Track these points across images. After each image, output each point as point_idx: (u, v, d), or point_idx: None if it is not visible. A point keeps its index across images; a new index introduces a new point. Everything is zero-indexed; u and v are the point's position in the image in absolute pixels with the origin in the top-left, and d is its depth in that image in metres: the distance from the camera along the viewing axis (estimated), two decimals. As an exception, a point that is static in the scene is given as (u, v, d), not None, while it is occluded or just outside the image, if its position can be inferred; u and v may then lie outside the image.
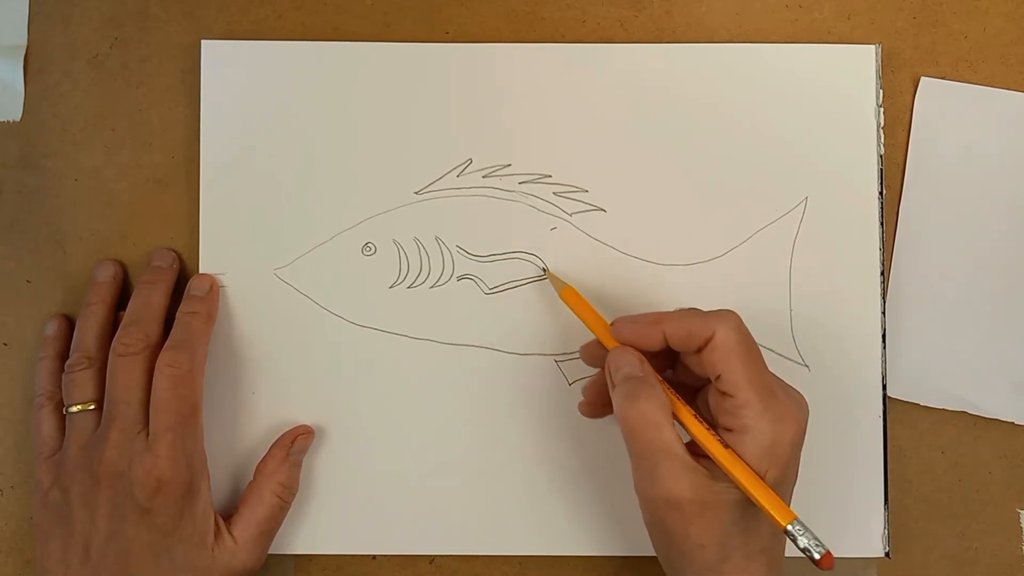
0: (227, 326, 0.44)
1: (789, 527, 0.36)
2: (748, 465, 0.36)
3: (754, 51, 0.45)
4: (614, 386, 0.38)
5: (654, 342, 0.38)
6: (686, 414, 0.38)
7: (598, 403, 0.41)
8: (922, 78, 0.45)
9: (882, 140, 0.44)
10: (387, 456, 0.44)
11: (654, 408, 0.37)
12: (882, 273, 0.44)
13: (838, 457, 0.44)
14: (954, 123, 0.45)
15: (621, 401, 0.38)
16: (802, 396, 0.39)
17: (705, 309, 0.39)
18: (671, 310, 0.40)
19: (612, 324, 0.40)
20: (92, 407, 0.41)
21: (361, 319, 0.44)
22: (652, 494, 0.37)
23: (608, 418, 0.43)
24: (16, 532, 0.44)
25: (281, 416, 0.44)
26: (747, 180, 0.44)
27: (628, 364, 0.38)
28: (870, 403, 0.44)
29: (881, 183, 0.44)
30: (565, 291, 0.42)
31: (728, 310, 0.38)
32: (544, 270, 0.44)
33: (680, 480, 0.36)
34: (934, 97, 0.45)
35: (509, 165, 0.44)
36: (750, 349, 0.37)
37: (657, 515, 0.38)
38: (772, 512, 0.36)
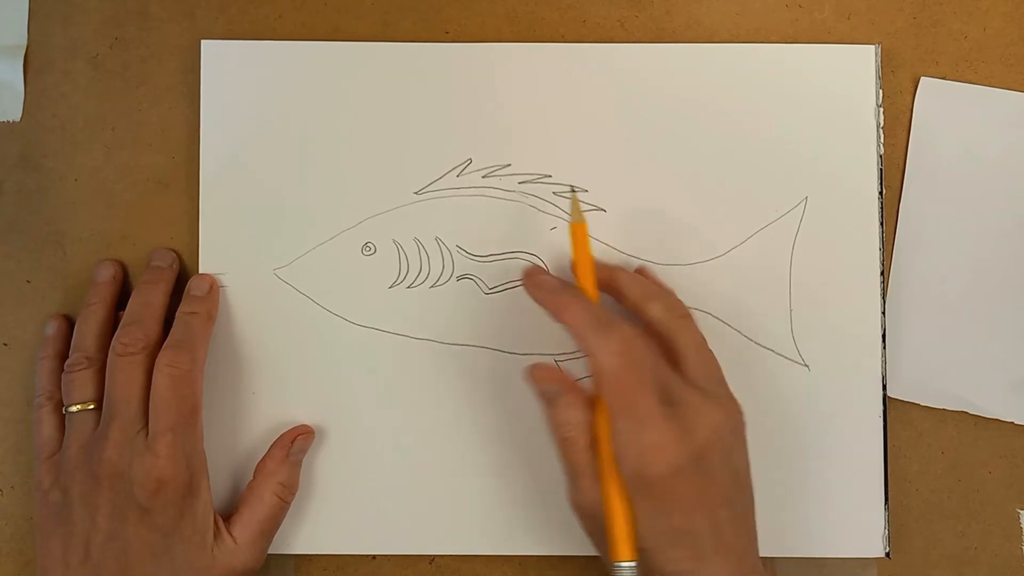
0: (227, 326, 0.44)
1: (616, 566, 0.37)
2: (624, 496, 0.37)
3: (754, 51, 0.45)
4: (540, 398, 0.40)
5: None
6: (601, 428, 0.38)
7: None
8: (922, 78, 0.45)
9: (882, 140, 0.44)
10: (387, 456, 0.44)
11: (570, 425, 0.38)
12: (882, 273, 0.44)
13: (838, 457, 0.44)
14: (954, 123, 0.45)
15: (546, 418, 0.39)
16: (713, 417, 0.37)
17: (690, 301, 0.41)
18: (615, 272, 0.41)
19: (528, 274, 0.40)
20: (92, 407, 0.41)
21: (361, 319, 0.44)
22: (569, 500, 0.39)
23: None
24: (16, 532, 0.44)
25: (281, 416, 0.44)
26: (747, 180, 0.44)
27: (549, 379, 0.39)
28: (870, 403, 0.44)
29: (881, 183, 0.44)
30: (576, 225, 0.41)
31: (621, 330, 0.37)
32: (572, 188, 0.42)
33: (588, 492, 0.38)
34: (934, 97, 0.45)
35: (509, 165, 0.44)
36: (625, 376, 0.36)
37: (579, 520, 0.39)
38: (611, 545, 0.37)
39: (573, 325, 0.38)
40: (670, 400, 0.37)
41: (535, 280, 0.41)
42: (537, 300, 0.40)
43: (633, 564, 0.37)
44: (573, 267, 0.41)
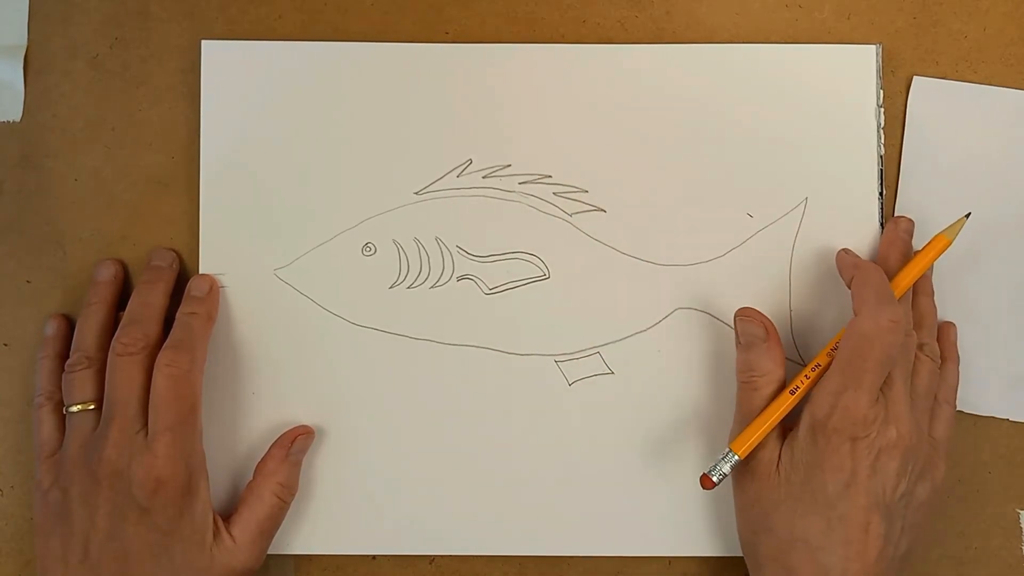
0: (227, 326, 0.44)
1: (729, 449, 0.40)
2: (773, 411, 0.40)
3: (754, 51, 0.45)
4: (738, 339, 0.43)
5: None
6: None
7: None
8: (915, 77, 0.45)
9: (882, 140, 0.44)
10: (387, 456, 0.44)
11: (758, 372, 0.41)
12: (882, 273, 0.44)
13: (838, 457, 0.44)
14: (949, 121, 0.45)
15: (737, 360, 0.42)
16: (906, 428, 0.39)
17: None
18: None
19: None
20: (92, 407, 0.41)
21: (361, 319, 0.44)
22: (731, 446, 0.40)
23: (608, 421, 0.43)
24: (16, 532, 0.44)
25: (281, 416, 0.44)
26: (747, 180, 0.44)
27: (755, 322, 0.42)
28: (870, 403, 0.44)
29: (881, 183, 0.44)
30: (940, 237, 0.42)
31: (896, 312, 0.39)
32: (967, 215, 0.43)
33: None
34: (928, 96, 0.45)
35: (509, 165, 0.44)
36: (869, 344, 0.38)
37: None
38: (744, 437, 0.40)
39: (863, 286, 0.40)
40: (888, 394, 0.39)
41: (847, 251, 0.44)
42: (840, 264, 0.43)
43: (736, 459, 0.40)
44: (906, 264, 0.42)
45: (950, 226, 0.42)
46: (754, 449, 0.40)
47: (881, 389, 0.39)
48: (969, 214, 0.43)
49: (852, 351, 0.39)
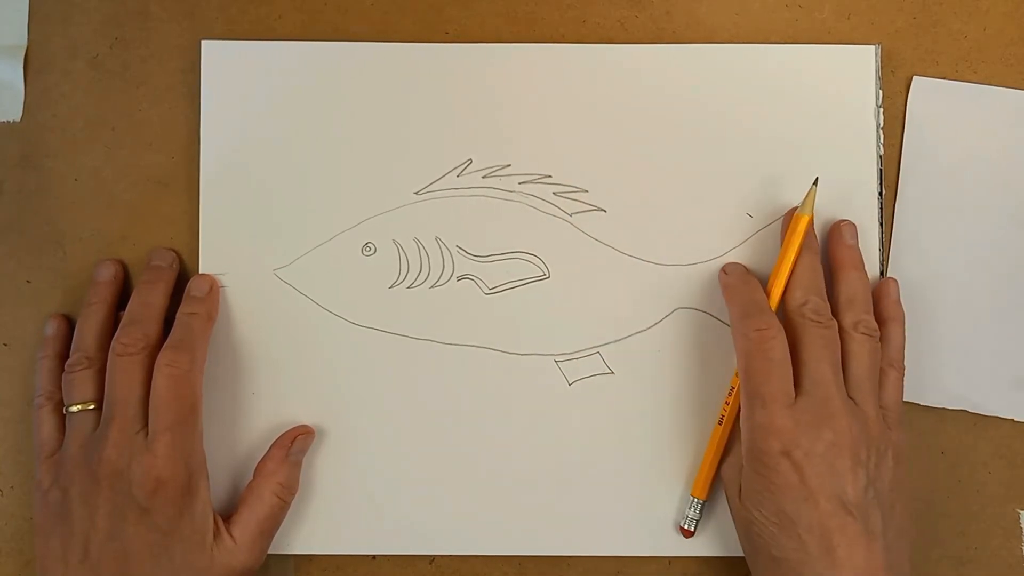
0: (227, 326, 0.44)
1: (693, 499, 0.42)
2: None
3: (754, 51, 0.45)
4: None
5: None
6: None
7: None
8: (914, 77, 0.45)
9: (882, 140, 0.44)
10: (387, 456, 0.44)
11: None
12: (882, 273, 0.44)
13: (838, 457, 0.44)
14: (948, 121, 0.45)
15: None
16: (840, 422, 0.38)
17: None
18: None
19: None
20: (92, 407, 0.41)
21: (361, 319, 0.44)
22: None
23: (608, 421, 0.44)
24: (16, 532, 0.44)
25: (281, 416, 0.44)
26: (747, 180, 0.44)
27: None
28: (870, 403, 0.44)
29: (880, 183, 0.44)
30: (798, 216, 0.41)
31: (764, 319, 0.40)
32: (816, 181, 0.42)
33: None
34: (928, 96, 0.45)
35: (509, 165, 0.44)
36: (754, 359, 0.39)
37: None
38: (698, 479, 0.42)
39: (728, 306, 0.42)
40: (809, 394, 0.39)
41: (725, 267, 0.43)
42: (720, 283, 0.43)
43: (700, 502, 0.42)
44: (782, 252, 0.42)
45: (803, 200, 0.42)
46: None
47: (807, 390, 0.39)
48: (817, 180, 0.42)
49: (743, 373, 0.40)
